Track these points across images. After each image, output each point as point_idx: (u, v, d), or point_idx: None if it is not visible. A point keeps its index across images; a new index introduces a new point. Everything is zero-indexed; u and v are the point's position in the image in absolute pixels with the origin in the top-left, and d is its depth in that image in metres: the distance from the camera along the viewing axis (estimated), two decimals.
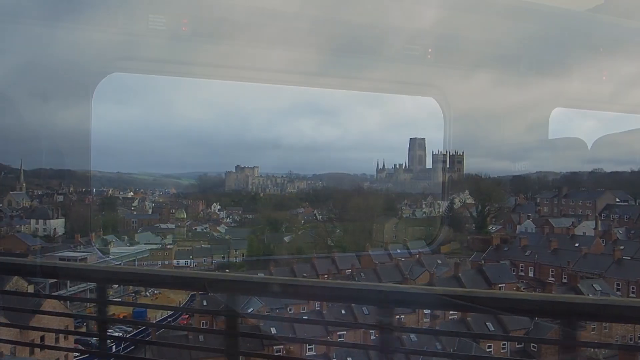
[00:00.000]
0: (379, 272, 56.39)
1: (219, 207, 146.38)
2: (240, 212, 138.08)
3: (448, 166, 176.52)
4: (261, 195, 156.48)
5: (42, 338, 39.05)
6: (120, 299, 67.03)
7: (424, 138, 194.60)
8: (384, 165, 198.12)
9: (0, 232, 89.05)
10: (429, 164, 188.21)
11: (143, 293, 71.10)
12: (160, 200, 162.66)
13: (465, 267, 57.12)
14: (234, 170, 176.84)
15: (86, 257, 70.62)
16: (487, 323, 39.97)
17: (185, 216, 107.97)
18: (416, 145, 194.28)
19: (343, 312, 46.57)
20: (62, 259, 67.88)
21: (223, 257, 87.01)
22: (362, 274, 55.69)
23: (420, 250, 62.92)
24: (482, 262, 53.53)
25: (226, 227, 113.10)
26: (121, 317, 41.78)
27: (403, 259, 62.70)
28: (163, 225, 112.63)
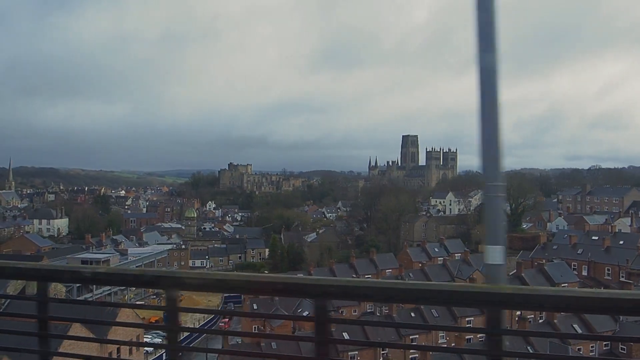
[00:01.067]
0: (427, 272, 55.11)
1: (214, 205, 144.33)
2: (236, 209, 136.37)
3: (441, 163, 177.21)
4: (257, 193, 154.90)
5: (118, 350, 36.44)
6: (143, 302, 64.87)
7: (417, 135, 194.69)
8: (376, 163, 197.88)
9: (4, 232, 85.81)
10: (421, 160, 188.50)
11: (164, 295, 68.80)
12: (154, 198, 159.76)
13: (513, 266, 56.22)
14: (227, 168, 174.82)
15: (109, 259, 68.19)
16: (573, 325, 39.13)
17: (195, 215, 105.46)
18: (409, 142, 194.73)
19: (412, 314, 45.33)
20: (84, 261, 65.71)
21: (240, 257, 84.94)
22: (410, 274, 54.27)
23: (467, 250, 61.61)
24: (544, 261, 52.48)
25: (231, 226, 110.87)
26: (153, 321, 39.63)
27: (441, 259, 61.59)
28: (166, 225, 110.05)
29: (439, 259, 62.22)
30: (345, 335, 42.07)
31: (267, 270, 75.21)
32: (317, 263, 66.03)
